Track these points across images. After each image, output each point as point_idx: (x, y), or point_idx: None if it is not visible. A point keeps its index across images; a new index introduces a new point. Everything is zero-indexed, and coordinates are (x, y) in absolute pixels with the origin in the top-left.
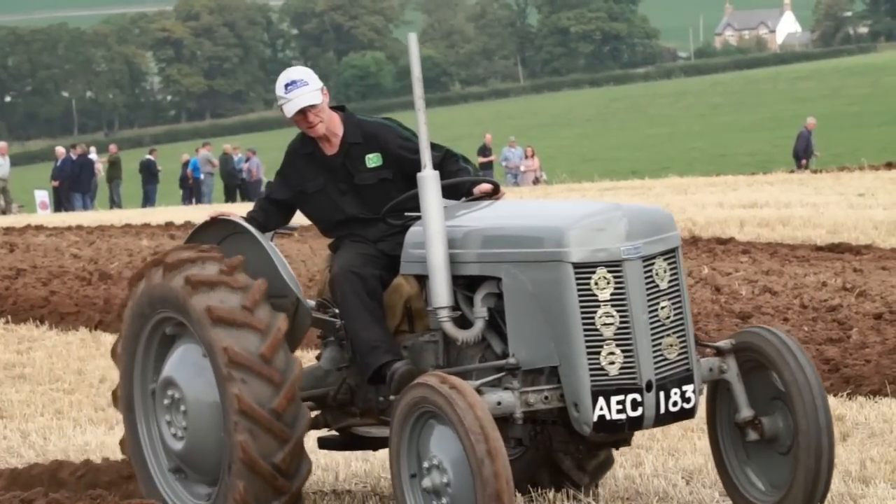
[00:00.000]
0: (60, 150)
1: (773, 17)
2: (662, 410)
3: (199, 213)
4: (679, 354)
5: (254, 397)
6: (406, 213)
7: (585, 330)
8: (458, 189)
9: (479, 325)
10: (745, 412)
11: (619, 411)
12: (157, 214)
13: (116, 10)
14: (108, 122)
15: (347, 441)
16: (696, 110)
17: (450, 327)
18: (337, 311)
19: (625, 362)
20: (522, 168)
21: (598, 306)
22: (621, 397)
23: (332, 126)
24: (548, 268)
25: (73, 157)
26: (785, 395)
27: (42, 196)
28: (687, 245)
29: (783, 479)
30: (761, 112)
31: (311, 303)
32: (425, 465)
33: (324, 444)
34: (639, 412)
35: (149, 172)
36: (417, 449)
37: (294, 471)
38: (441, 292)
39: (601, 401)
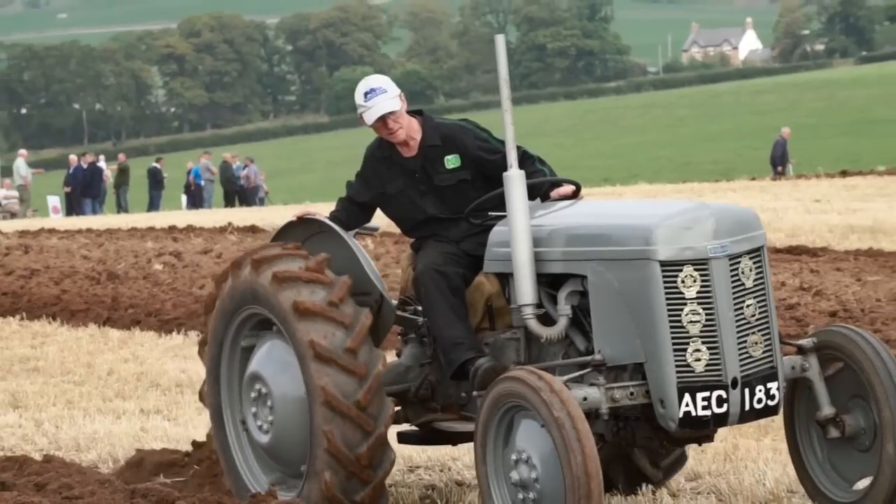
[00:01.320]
0: (73, 158)
1: (736, 34)
2: (747, 407)
3: (199, 218)
4: (764, 352)
5: (339, 390)
6: (489, 213)
7: (672, 327)
8: (535, 189)
9: (562, 323)
10: (827, 410)
11: (704, 408)
12: (161, 218)
13: (124, 27)
14: (116, 132)
15: (427, 436)
16: (664, 121)
17: (534, 324)
18: (419, 308)
19: (710, 359)
20: None
21: (685, 304)
22: (707, 394)
23: (410, 131)
24: (635, 266)
25: (84, 165)
26: (868, 393)
27: (54, 201)
28: None
29: (863, 477)
30: (724, 123)
31: (394, 301)
32: (512, 458)
33: (403, 438)
34: (724, 409)
35: (155, 179)
36: (504, 442)
37: (378, 461)
38: (526, 290)
39: (687, 397)
